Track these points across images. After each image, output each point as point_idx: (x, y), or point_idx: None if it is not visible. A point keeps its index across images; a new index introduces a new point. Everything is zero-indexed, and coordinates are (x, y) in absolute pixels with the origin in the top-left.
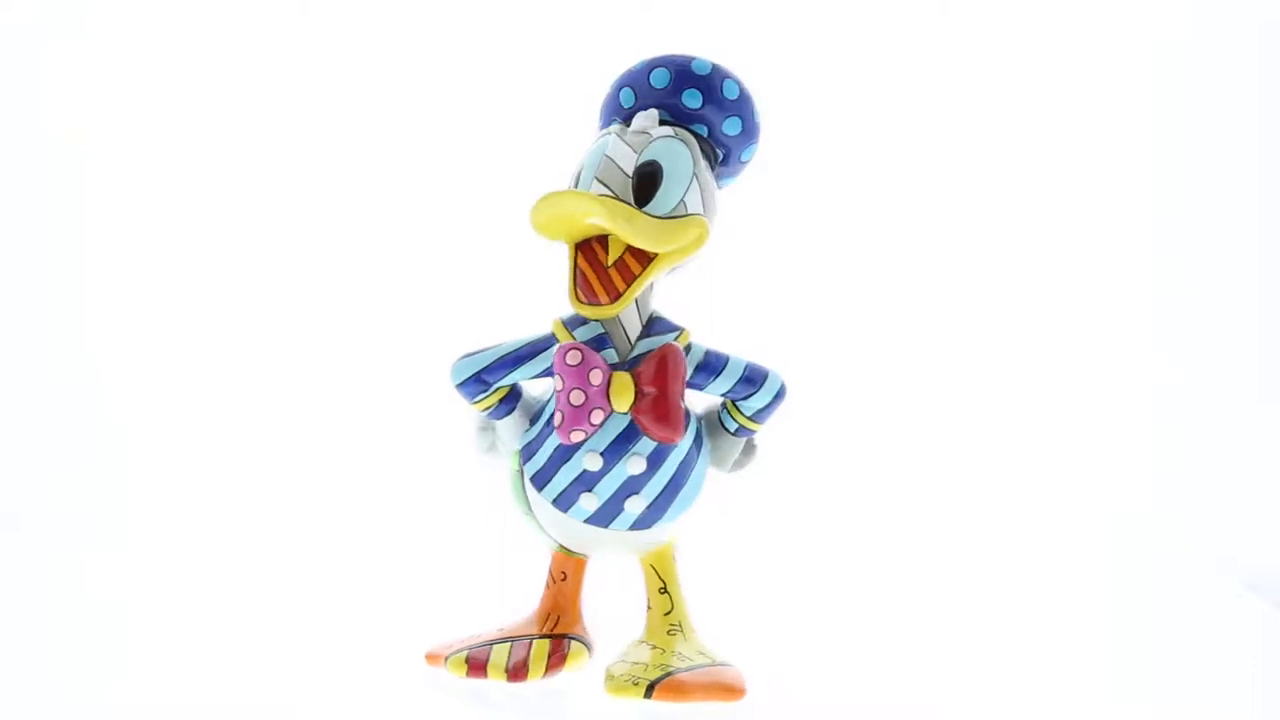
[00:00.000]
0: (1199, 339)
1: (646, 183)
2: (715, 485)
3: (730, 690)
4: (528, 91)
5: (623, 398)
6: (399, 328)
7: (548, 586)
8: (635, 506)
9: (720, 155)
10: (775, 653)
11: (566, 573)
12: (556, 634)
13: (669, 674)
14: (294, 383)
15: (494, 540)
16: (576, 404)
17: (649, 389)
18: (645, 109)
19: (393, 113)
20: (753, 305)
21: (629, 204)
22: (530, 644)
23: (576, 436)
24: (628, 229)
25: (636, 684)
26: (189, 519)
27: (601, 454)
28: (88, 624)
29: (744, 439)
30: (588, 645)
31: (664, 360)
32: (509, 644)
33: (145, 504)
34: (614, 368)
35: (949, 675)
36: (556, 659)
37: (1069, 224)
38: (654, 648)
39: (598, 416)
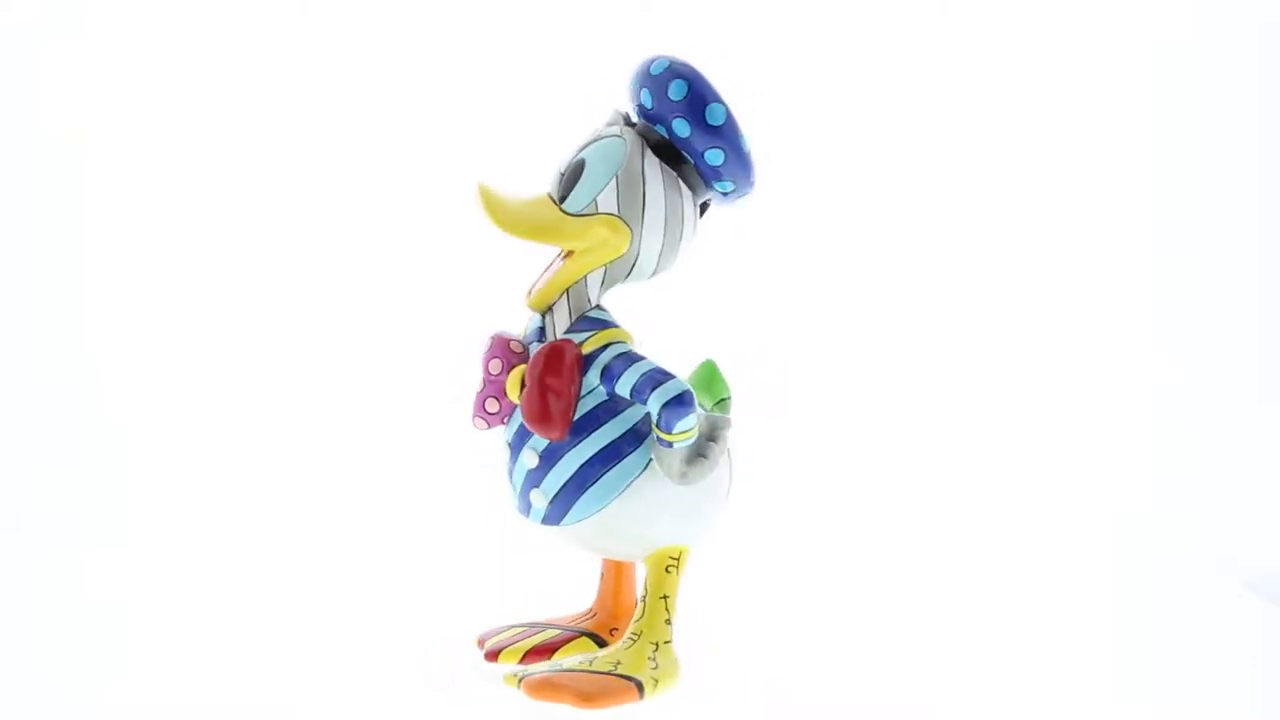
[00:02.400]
0: (1199, 339)
1: (569, 181)
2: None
3: (584, 698)
4: (529, 92)
5: (513, 390)
6: (401, 327)
7: None
8: (538, 501)
9: (692, 160)
10: (775, 653)
11: (604, 571)
12: (578, 629)
13: (553, 672)
14: (295, 382)
15: (493, 539)
16: (477, 391)
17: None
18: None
19: (392, 113)
20: (752, 308)
21: (556, 201)
22: (536, 632)
23: (478, 424)
24: (497, 224)
25: (516, 675)
26: (189, 519)
27: (509, 444)
28: (88, 624)
29: (673, 448)
30: (604, 645)
31: (541, 355)
32: (523, 628)
33: (145, 504)
34: None
35: (949, 675)
36: (539, 652)
37: (1068, 224)
38: (601, 650)
39: (492, 405)
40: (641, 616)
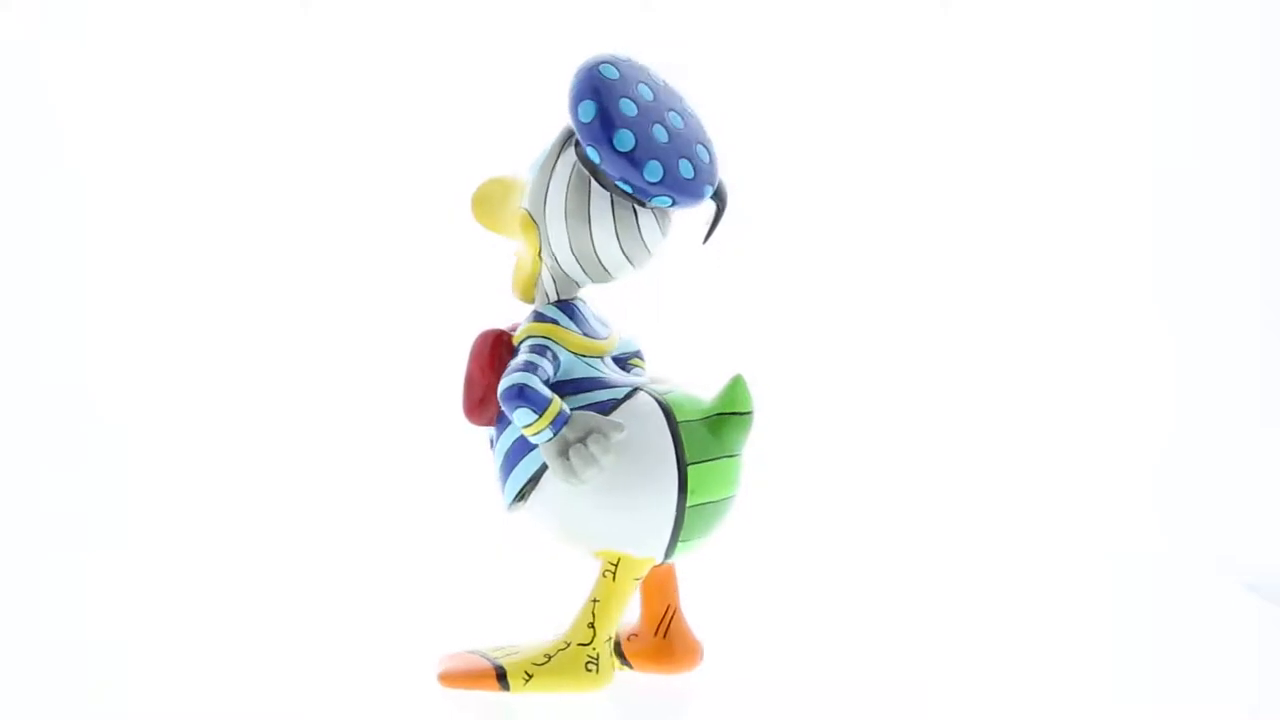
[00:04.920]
0: (1199, 338)
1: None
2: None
3: (444, 676)
4: (531, 92)
5: None
6: (402, 328)
7: None
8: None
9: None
10: (774, 652)
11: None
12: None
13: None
14: (295, 383)
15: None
16: None
17: None
18: None
19: (393, 114)
20: (749, 316)
21: None
22: None
23: None
24: (470, 204)
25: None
26: (189, 520)
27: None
28: (88, 624)
29: (533, 441)
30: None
31: (471, 345)
32: None
33: (145, 504)
34: None
35: (949, 674)
36: None
37: (1067, 222)
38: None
39: None
40: (575, 614)
